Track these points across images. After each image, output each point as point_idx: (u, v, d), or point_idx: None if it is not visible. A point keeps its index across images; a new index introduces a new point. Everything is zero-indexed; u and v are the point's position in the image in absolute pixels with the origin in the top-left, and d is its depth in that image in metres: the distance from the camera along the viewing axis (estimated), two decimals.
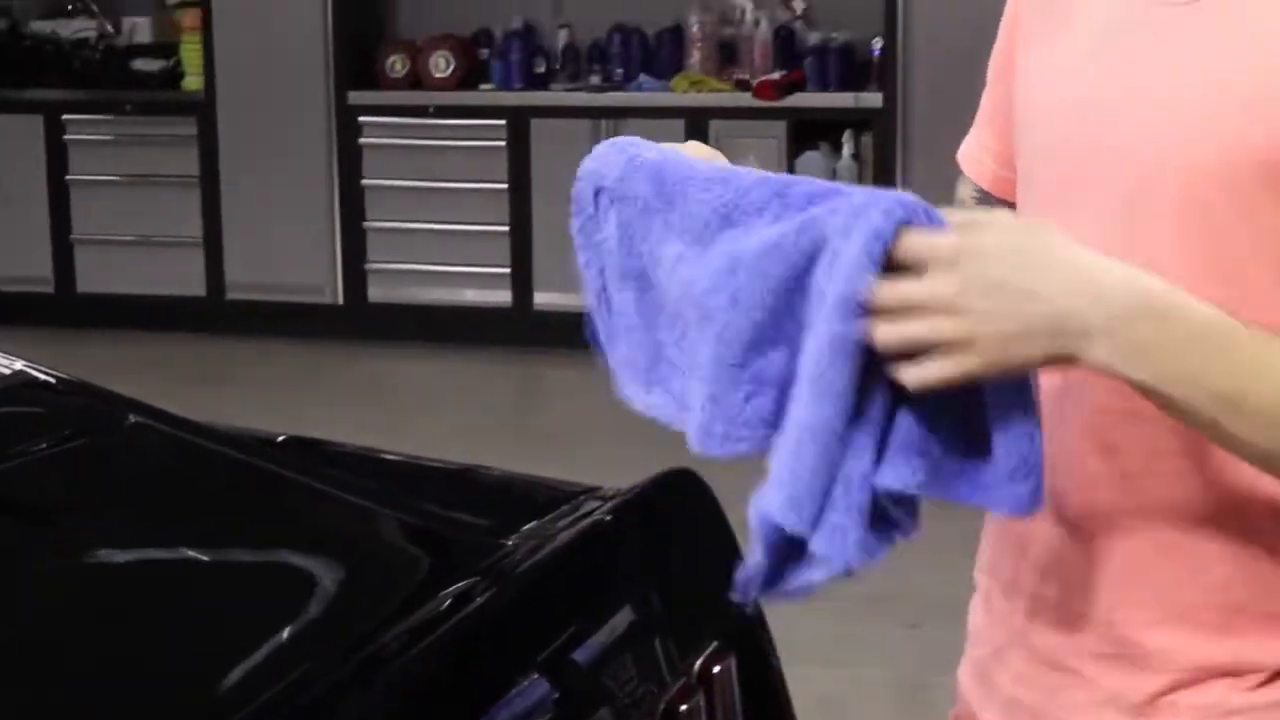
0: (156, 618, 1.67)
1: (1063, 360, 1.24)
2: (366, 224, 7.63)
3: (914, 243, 1.22)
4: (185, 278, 7.81)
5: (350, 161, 7.59)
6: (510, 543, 1.89)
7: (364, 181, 7.61)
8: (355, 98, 7.57)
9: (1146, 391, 1.24)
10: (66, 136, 7.89)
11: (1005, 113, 1.54)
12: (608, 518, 1.97)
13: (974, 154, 1.64)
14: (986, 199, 1.62)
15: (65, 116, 7.88)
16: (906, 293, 1.22)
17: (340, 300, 7.70)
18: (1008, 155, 1.55)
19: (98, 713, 1.48)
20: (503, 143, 7.40)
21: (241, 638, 1.64)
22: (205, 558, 1.87)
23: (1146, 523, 1.38)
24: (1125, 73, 1.38)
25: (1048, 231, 1.26)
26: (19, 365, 2.19)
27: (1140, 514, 1.38)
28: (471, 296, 7.55)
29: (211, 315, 7.77)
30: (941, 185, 6.21)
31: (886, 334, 1.22)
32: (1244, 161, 1.29)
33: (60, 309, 7.88)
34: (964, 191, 1.66)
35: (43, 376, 2.17)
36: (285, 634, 1.71)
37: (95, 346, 7.23)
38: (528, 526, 1.92)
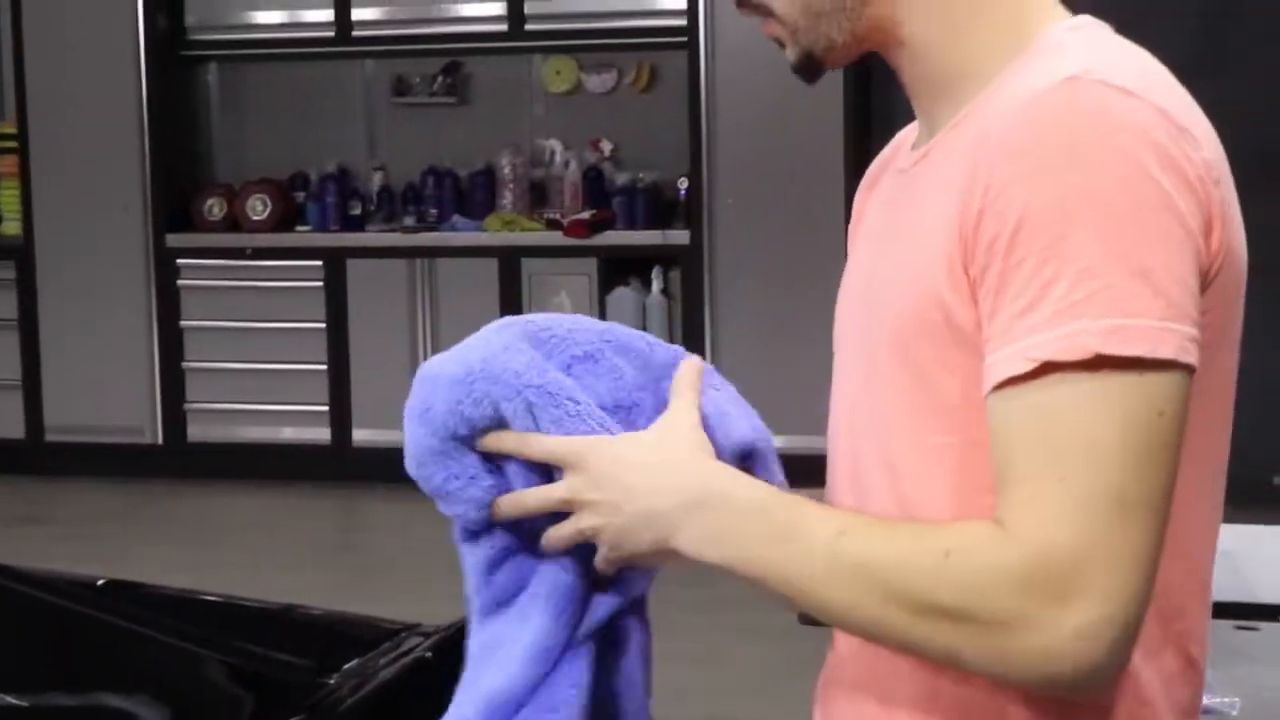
0: None
1: (668, 553, 1.38)
2: (185, 364, 7.65)
3: (536, 446, 1.41)
4: (3, 420, 7.75)
5: (169, 303, 7.63)
6: (333, 681, 1.93)
7: (182, 322, 7.65)
8: (173, 240, 7.62)
9: (730, 574, 1.36)
10: None
11: None
12: (429, 654, 2.02)
13: None
14: None
15: None
16: (548, 496, 1.41)
17: (160, 440, 7.70)
18: None
19: None
20: (320, 283, 7.48)
21: None
22: (24, 704, 1.87)
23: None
24: (870, 235, 1.52)
25: (666, 430, 1.41)
26: None
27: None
28: (291, 434, 7.60)
29: (31, 457, 7.72)
30: (746, 316, 6.47)
31: (555, 537, 1.42)
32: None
33: None
34: None
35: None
36: None
37: None
38: (350, 664, 1.97)
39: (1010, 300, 1.28)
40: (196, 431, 7.67)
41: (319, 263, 7.51)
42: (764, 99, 6.95)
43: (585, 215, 7.34)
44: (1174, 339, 1.26)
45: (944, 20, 1.42)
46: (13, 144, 7.78)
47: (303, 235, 7.67)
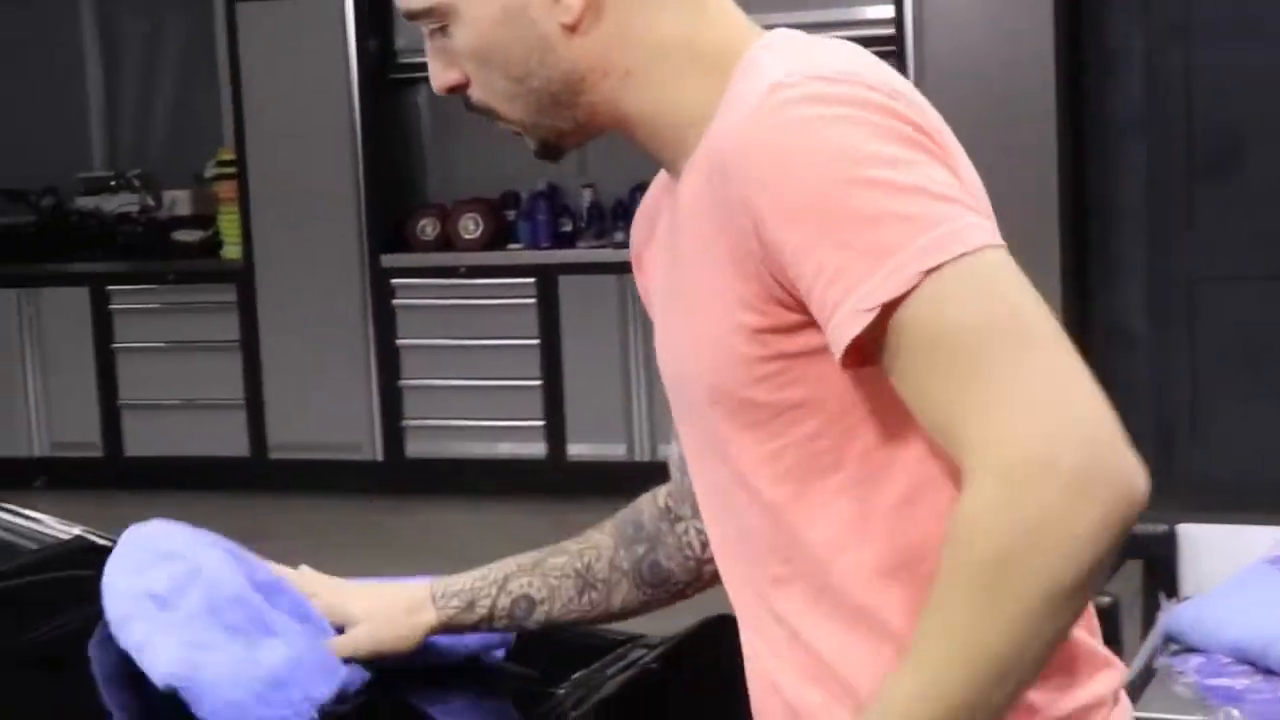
0: None
1: None
2: (402, 382, 7.79)
3: None
4: (229, 439, 7.96)
5: (385, 322, 7.77)
6: (560, 691, 1.94)
7: (399, 341, 7.78)
8: (388, 260, 7.76)
9: None
10: (112, 306, 8.09)
11: None
12: (654, 665, 2.01)
13: None
14: None
15: (110, 287, 8.09)
16: None
17: (379, 457, 7.84)
18: None
19: None
20: (532, 300, 7.56)
21: None
22: None
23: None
24: (662, 295, 1.58)
25: None
26: (77, 530, 2.28)
27: None
28: (507, 449, 7.68)
29: (255, 475, 7.90)
30: None
31: None
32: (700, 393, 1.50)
33: (109, 472, 8.04)
34: None
35: (101, 541, 2.27)
36: None
37: (144, 508, 7.22)
38: (577, 675, 1.97)
39: (821, 281, 1.33)
40: (415, 447, 7.79)
41: (531, 280, 7.59)
42: (973, 105, 6.88)
43: None
44: (975, 231, 1.32)
45: (654, 87, 1.49)
46: (232, 170, 7.98)
47: (514, 253, 7.76)
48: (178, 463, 7.99)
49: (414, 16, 1.53)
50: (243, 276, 7.93)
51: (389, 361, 7.77)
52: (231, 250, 8.04)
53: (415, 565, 7.20)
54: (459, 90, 1.54)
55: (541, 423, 7.59)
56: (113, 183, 8.52)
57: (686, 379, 1.52)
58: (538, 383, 7.58)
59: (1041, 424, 1.25)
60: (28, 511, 2.30)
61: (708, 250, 1.43)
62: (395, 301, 7.75)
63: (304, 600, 1.88)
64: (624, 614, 1.89)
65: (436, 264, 7.75)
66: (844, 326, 1.32)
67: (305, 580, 1.93)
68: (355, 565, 6.96)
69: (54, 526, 2.30)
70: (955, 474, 1.35)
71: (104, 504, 7.23)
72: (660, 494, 1.87)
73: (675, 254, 1.52)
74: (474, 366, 7.66)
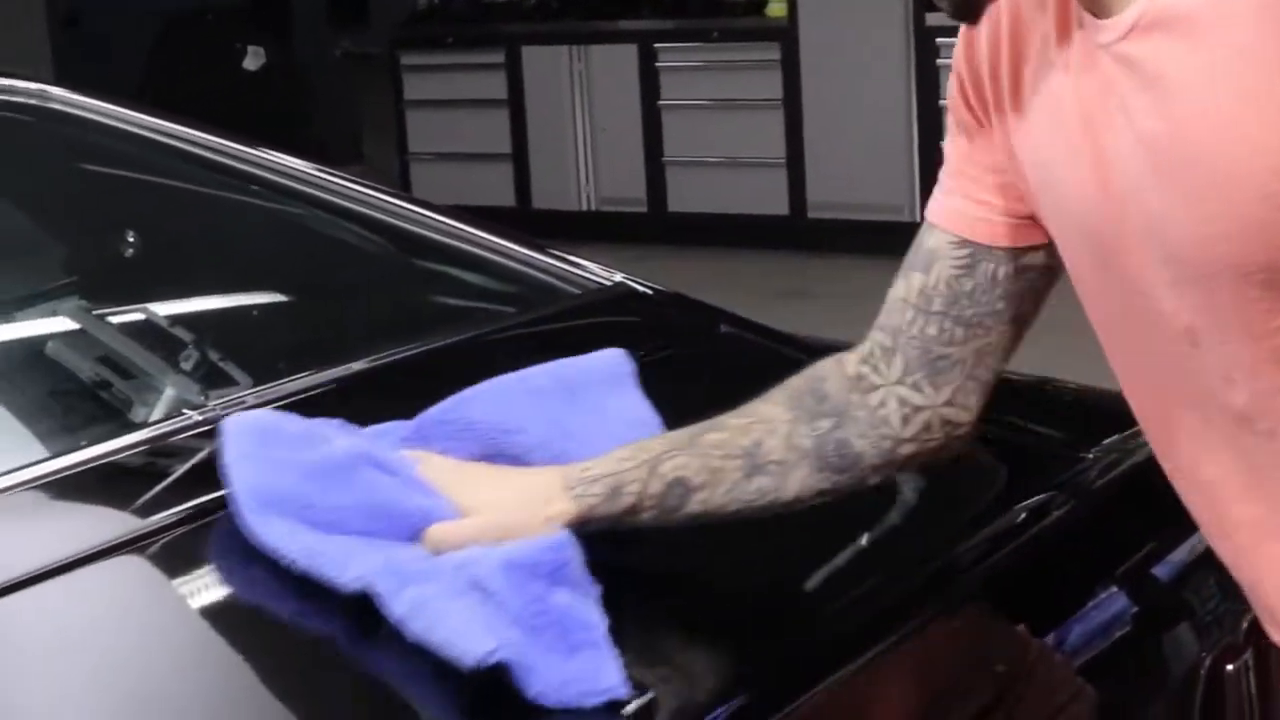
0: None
1: None
2: (943, 144, 7.63)
3: None
4: (769, 196, 8.01)
5: (928, 82, 7.60)
6: (1090, 456, 1.88)
7: (942, 101, 7.61)
8: (933, 19, 7.53)
9: None
10: (658, 64, 8.21)
11: (999, 169, 1.50)
12: None
13: (971, 214, 1.57)
14: (975, 254, 1.58)
15: (656, 45, 8.21)
16: None
17: (919, 219, 7.72)
18: (1015, 209, 1.51)
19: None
20: None
21: (822, 546, 1.69)
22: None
23: None
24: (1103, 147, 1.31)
25: None
26: (619, 277, 2.32)
27: None
28: None
29: (793, 233, 7.94)
30: None
31: None
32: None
33: (653, 227, 8.22)
34: (942, 247, 1.62)
35: (641, 288, 2.30)
36: (863, 541, 1.77)
37: (685, 261, 7.48)
38: (1108, 440, 1.90)
39: None
40: None
41: None
42: None
43: None
44: None
45: None
46: None
47: None
48: (718, 220, 8.10)
49: None
50: (786, 34, 7.89)
51: (931, 122, 7.62)
52: (776, 8, 8.01)
53: None
54: None
55: None
56: None
57: (1190, 247, 1.27)
58: None
59: None
60: (573, 258, 2.32)
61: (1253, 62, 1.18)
62: (939, 61, 7.57)
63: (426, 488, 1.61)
64: (797, 504, 1.58)
65: None
66: None
67: (429, 468, 1.60)
68: None
69: (597, 273, 2.31)
70: None
71: (645, 257, 7.38)
72: (848, 360, 1.61)
73: (1140, 79, 1.26)
74: None
